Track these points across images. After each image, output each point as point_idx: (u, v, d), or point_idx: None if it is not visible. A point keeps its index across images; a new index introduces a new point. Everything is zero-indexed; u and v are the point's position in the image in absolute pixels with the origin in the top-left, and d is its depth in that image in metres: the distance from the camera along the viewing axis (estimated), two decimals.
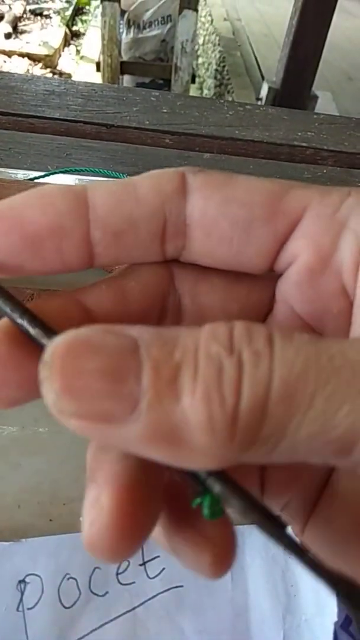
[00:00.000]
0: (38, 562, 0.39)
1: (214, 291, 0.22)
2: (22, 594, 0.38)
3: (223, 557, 0.19)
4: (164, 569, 0.40)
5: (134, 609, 0.38)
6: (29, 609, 0.37)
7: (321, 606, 0.37)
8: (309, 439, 0.15)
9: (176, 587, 0.40)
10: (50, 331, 0.18)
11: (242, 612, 0.39)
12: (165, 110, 0.99)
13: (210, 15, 4.59)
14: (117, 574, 0.40)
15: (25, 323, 0.18)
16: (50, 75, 4.03)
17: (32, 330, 0.18)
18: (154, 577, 0.40)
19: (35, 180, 0.73)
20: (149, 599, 0.39)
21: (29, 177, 0.75)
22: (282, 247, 0.20)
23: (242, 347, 0.15)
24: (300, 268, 0.20)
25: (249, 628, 0.38)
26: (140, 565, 0.40)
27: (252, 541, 0.42)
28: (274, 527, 0.16)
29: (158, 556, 0.41)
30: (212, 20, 4.49)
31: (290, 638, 0.37)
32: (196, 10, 3.44)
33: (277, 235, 0.20)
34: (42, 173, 0.76)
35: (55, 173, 0.75)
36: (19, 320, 0.18)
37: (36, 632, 0.37)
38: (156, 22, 3.67)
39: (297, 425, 0.14)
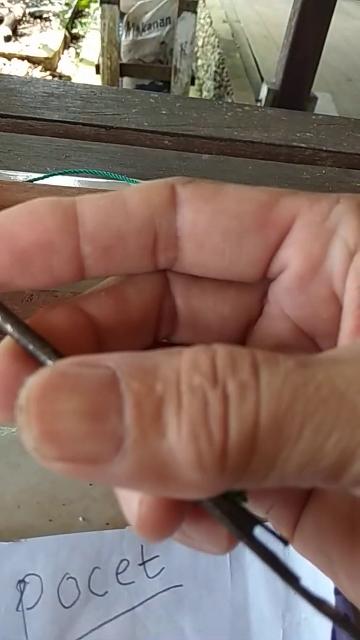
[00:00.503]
0: (37, 562, 0.39)
1: (205, 294, 0.22)
2: (22, 593, 0.38)
3: None
4: (163, 568, 0.40)
5: (133, 608, 0.38)
6: (28, 608, 0.37)
7: None
8: (299, 470, 0.14)
9: (175, 586, 0.40)
10: (49, 347, 0.18)
11: (242, 611, 0.39)
12: (164, 112, 0.99)
13: (209, 17, 4.60)
14: (117, 573, 0.40)
15: (24, 339, 0.18)
16: (49, 77, 4.03)
17: (31, 347, 0.18)
18: (153, 577, 0.40)
19: (35, 182, 0.74)
20: (149, 599, 0.39)
21: (28, 179, 0.75)
22: (273, 256, 0.20)
23: (227, 378, 0.14)
24: (291, 275, 0.20)
25: (248, 627, 0.38)
26: (140, 564, 0.40)
27: None
28: (264, 551, 0.17)
29: (157, 556, 0.41)
30: (211, 22, 4.50)
31: (289, 636, 0.37)
32: (195, 12, 3.45)
33: (268, 245, 0.20)
34: (41, 175, 0.76)
35: (54, 174, 0.75)
36: (19, 337, 0.18)
37: (36, 631, 0.37)
38: (155, 25, 3.68)
39: (286, 457, 0.14)
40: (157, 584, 0.39)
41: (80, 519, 0.42)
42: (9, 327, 0.18)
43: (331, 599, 0.36)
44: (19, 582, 0.38)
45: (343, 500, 0.21)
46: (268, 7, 4.77)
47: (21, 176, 0.78)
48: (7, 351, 0.18)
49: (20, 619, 0.37)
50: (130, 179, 0.76)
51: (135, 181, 0.76)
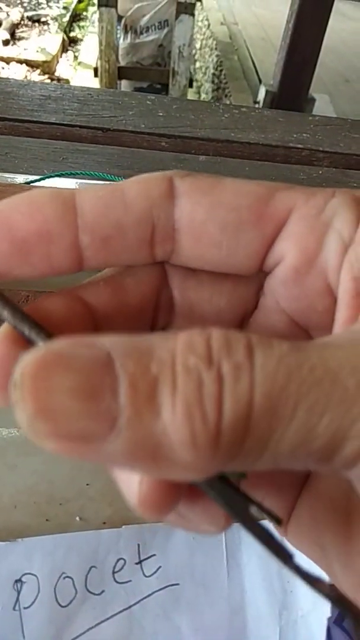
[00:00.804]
0: (34, 562, 0.39)
1: (202, 287, 0.22)
2: (19, 593, 0.38)
3: None
4: (160, 567, 0.40)
5: (130, 607, 0.39)
6: (25, 608, 0.37)
7: (317, 602, 0.37)
8: (292, 450, 0.15)
9: (172, 585, 0.40)
10: (45, 332, 0.18)
11: (239, 609, 0.39)
12: (161, 114, 1.00)
13: (207, 19, 4.61)
14: (113, 572, 0.40)
15: (21, 325, 0.18)
16: (48, 81, 4.04)
17: (28, 332, 0.18)
18: (150, 576, 0.40)
19: (32, 184, 0.74)
20: (145, 597, 0.39)
21: (26, 181, 0.76)
22: (269, 249, 0.21)
23: (222, 359, 0.15)
24: (286, 268, 0.21)
25: (245, 625, 0.38)
26: (137, 563, 0.40)
27: (249, 539, 0.42)
28: (259, 530, 0.17)
29: (154, 555, 0.41)
30: (209, 25, 4.51)
31: (286, 634, 0.37)
32: (193, 15, 3.46)
33: (264, 238, 0.20)
34: (39, 177, 0.76)
35: (52, 177, 0.76)
36: (16, 323, 0.18)
37: (32, 631, 0.37)
38: (153, 27, 3.69)
39: (280, 437, 0.14)
40: (153, 583, 0.40)
41: (77, 518, 0.43)
42: (5, 314, 0.18)
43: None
44: (16, 581, 0.38)
45: (337, 490, 0.21)
46: (266, 9, 4.78)
47: (19, 178, 0.78)
48: (5, 337, 0.18)
49: (17, 618, 0.37)
50: None
51: None
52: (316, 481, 0.22)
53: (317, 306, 0.21)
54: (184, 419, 0.14)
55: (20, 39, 4.58)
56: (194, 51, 4.45)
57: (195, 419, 0.14)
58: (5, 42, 4.34)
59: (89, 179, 0.79)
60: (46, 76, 4.17)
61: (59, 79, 4.20)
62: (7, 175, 0.79)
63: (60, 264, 0.20)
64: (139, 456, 0.15)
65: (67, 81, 4.15)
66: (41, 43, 4.48)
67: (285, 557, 0.16)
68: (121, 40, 3.71)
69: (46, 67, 4.21)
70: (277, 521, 0.17)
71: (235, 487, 0.17)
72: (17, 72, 4.08)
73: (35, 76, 4.11)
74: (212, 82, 4.09)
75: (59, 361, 0.14)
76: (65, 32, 4.87)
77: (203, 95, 4.37)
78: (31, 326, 0.18)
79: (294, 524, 0.22)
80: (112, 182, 0.74)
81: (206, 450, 0.14)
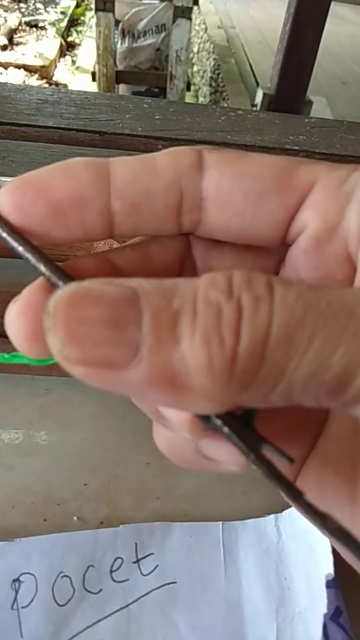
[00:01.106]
0: (32, 561, 0.39)
1: (224, 257, 0.23)
2: (17, 592, 0.38)
3: None
4: (157, 566, 0.40)
5: (127, 605, 0.39)
6: (23, 607, 0.38)
7: (314, 598, 0.37)
8: (306, 380, 0.15)
9: (169, 583, 0.40)
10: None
11: (236, 607, 0.39)
12: (157, 117, 1.00)
13: (204, 23, 4.62)
14: (111, 571, 0.40)
15: (54, 277, 0.19)
16: (46, 85, 4.05)
17: (62, 284, 0.19)
18: (147, 574, 0.40)
19: None
20: (143, 596, 0.39)
21: None
22: (292, 219, 0.21)
23: (242, 293, 0.15)
24: (308, 236, 0.21)
25: (242, 622, 0.38)
26: (134, 562, 0.40)
27: (246, 536, 0.42)
28: (270, 468, 0.17)
29: (152, 553, 0.41)
30: (206, 29, 4.52)
31: (283, 631, 0.37)
32: (190, 18, 3.47)
33: (287, 208, 0.21)
34: None
35: None
36: (48, 274, 0.19)
37: (30, 629, 0.37)
38: (150, 31, 3.70)
39: (295, 366, 0.15)
40: (151, 581, 0.40)
41: (75, 518, 0.43)
42: (42, 267, 0.19)
43: (323, 592, 0.36)
44: (14, 581, 0.39)
45: (345, 452, 0.21)
46: (263, 13, 4.80)
47: None
48: (40, 287, 0.19)
49: (15, 618, 0.37)
50: None
51: None
52: (324, 443, 0.22)
53: (337, 275, 0.21)
54: (201, 344, 0.15)
55: (18, 44, 4.60)
56: (191, 55, 4.46)
57: (213, 344, 0.15)
58: (4, 47, 4.36)
59: None
60: (44, 81, 4.19)
61: (57, 84, 4.22)
62: (4, 179, 0.79)
63: (93, 228, 0.21)
64: (159, 384, 0.16)
65: (65, 86, 4.16)
66: (39, 48, 4.49)
67: (296, 494, 0.17)
68: (119, 45, 3.72)
69: (44, 72, 4.22)
70: (289, 460, 0.18)
71: (248, 426, 0.18)
72: (15, 77, 4.09)
73: (34, 81, 4.12)
74: (210, 85, 4.10)
75: (89, 295, 0.16)
76: (63, 36, 4.88)
77: (201, 99, 4.38)
78: (65, 278, 0.19)
79: (300, 487, 0.22)
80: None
81: (222, 375, 0.15)
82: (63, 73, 4.47)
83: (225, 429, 0.18)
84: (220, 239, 0.22)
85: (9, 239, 0.20)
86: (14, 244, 0.20)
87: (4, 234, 0.20)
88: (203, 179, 0.21)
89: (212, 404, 0.16)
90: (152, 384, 0.16)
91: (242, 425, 0.18)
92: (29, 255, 0.20)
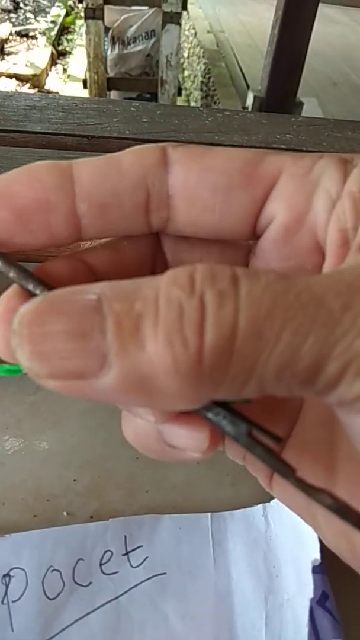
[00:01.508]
0: (22, 556, 0.40)
1: (193, 249, 0.23)
2: (7, 587, 0.38)
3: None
4: (146, 557, 0.41)
5: (117, 597, 0.39)
6: (13, 601, 0.38)
7: (302, 584, 0.37)
8: (278, 372, 0.15)
9: (159, 574, 0.40)
10: (48, 286, 0.19)
11: (225, 596, 0.39)
12: (145, 120, 1.01)
13: (193, 28, 4.64)
14: (101, 564, 0.40)
15: (26, 283, 0.19)
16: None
17: (32, 288, 0.19)
18: (137, 566, 0.40)
19: None
20: (132, 587, 0.39)
21: None
22: (260, 211, 0.21)
23: (205, 289, 0.15)
24: (277, 227, 0.21)
25: (232, 610, 0.39)
26: (124, 555, 0.41)
27: (234, 526, 0.42)
28: (263, 449, 0.17)
29: (141, 546, 0.41)
30: (195, 33, 4.54)
31: (272, 617, 0.38)
32: (179, 24, 3.48)
33: (255, 199, 0.21)
34: None
35: None
36: (21, 282, 0.19)
37: (21, 623, 0.37)
38: (140, 38, 3.72)
39: (266, 360, 0.15)
40: (140, 573, 0.40)
41: (65, 513, 0.43)
42: (12, 274, 0.19)
43: (310, 577, 0.36)
44: (4, 576, 0.39)
45: (322, 436, 0.22)
46: (252, 17, 4.82)
47: None
48: (14, 294, 0.19)
49: (6, 612, 0.37)
50: None
51: None
52: (301, 431, 0.22)
53: (307, 264, 0.21)
54: (165, 346, 0.15)
55: (9, 53, 4.62)
56: (181, 60, 4.48)
57: (176, 345, 0.15)
58: None
59: None
60: (36, 90, 4.20)
61: (48, 92, 4.23)
62: None
63: (60, 232, 0.21)
64: (131, 390, 0.16)
65: (57, 94, 4.18)
66: (30, 57, 4.51)
67: (288, 471, 0.17)
68: (109, 52, 3.74)
69: (36, 81, 4.23)
70: (277, 439, 0.18)
71: (234, 411, 0.18)
72: (7, 87, 4.10)
73: (25, 90, 4.14)
74: (201, 89, 4.12)
75: (52, 308, 0.16)
76: (53, 45, 4.90)
77: (192, 103, 4.40)
78: (35, 283, 0.19)
79: (278, 478, 0.22)
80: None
81: (190, 375, 0.15)
82: (55, 81, 4.49)
83: (212, 418, 0.18)
84: (190, 236, 0.22)
85: None
86: None
87: None
88: (169, 175, 0.21)
89: (185, 402, 0.16)
90: (124, 389, 0.16)
91: (228, 411, 0.18)
92: None
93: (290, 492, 0.22)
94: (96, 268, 0.22)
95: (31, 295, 0.19)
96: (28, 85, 4.18)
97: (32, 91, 4.12)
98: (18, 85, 4.16)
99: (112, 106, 1.04)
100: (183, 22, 3.62)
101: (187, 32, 4.73)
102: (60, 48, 5.07)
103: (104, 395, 0.16)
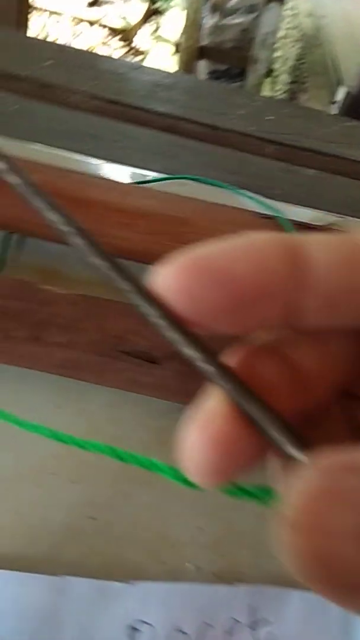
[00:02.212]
0: (149, 610, 0.37)
1: None
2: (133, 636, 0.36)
3: None
4: (273, 635, 0.38)
5: None
6: None
7: None
8: None
9: None
10: (279, 419, 0.15)
11: None
12: (269, 117, 0.96)
13: (295, 9, 4.49)
14: (226, 632, 0.38)
15: (250, 408, 0.15)
16: (125, 50, 4.00)
17: (257, 416, 0.15)
18: None
19: (141, 184, 0.71)
20: None
21: (136, 181, 0.73)
22: None
23: None
24: None
25: None
26: (250, 627, 0.38)
27: None
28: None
29: (269, 620, 0.39)
30: (295, 15, 4.39)
31: None
32: (282, 2, 3.37)
33: None
34: (154, 176, 0.74)
35: (161, 180, 0.73)
36: (243, 404, 0.15)
37: None
38: (241, 10, 3.61)
39: None
40: None
41: (191, 566, 0.41)
42: (224, 383, 0.16)
43: None
44: (131, 628, 0.37)
45: None
46: (355, 6, 4.64)
47: (124, 173, 0.76)
48: (227, 411, 0.16)
49: None
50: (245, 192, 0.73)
51: (248, 194, 0.73)
52: None
53: None
54: None
55: (104, 3, 4.53)
56: (275, 39, 4.35)
57: None
58: (91, 4, 4.31)
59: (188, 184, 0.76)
60: (124, 44, 4.13)
61: (137, 50, 4.16)
62: (118, 167, 0.76)
63: (271, 323, 0.16)
64: None
65: (145, 54, 4.11)
66: (124, 10, 4.43)
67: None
68: (206, 20, 3.64)
69: (125, 36, 4.16)
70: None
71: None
72: (97, 36, 4.05)
73: (114, 43, 4.07)
74: (291, 74, 4.00)
75: (334, 494, 0.12)
76: (150, 1, 4.80)
77: (279, 86, 4.28)
78: (258, 406, 0.15)
79: None
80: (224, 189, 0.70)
81: None
82: (144, 40, 4.41)
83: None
84: None
85: (169, 328, 0.16)
86: (174, 334, 0.16)
87: (161, 320, 0.16)
88: None
89: None
90: None
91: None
92: (191, 352, 0.16)
93: None
94: (304, 371, 0.17)
95: (251, 421, 0.15)
96: (117, 38, 4.11)
97: (120, 44, 4.06)
98: (108, 36, 4.09)
99: (239, 97, 1.00)
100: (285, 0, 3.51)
101: (287, 12, 4.58)
102: (155, 6, 4.96)
103: None
